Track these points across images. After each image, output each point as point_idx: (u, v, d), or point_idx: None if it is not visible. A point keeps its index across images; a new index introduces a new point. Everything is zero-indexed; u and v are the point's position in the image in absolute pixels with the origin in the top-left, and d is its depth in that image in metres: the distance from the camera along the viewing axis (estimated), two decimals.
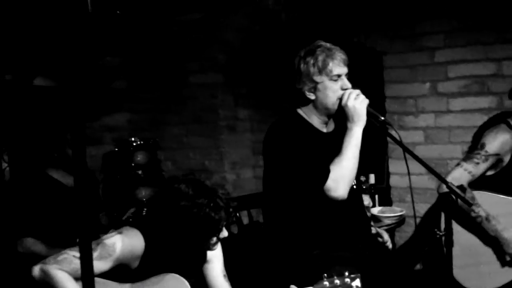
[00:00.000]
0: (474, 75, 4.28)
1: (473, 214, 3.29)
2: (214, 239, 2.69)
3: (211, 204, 2.58)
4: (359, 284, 2.55)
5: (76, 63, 1.60)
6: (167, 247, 2.65)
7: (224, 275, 2.93)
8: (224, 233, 2.71)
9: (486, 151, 3.41)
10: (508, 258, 3.36)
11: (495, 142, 3.43)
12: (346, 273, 2.55)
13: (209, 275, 2.90)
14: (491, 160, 3.42)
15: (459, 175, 3.38)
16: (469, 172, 3.40)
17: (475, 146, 3.51)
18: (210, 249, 2.74)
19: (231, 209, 2.67)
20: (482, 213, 3.32)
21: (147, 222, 2.70)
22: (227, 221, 2.66)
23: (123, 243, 2.53)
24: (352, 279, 2.53)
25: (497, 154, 3.42)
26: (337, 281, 2.52)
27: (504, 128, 3.49)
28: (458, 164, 3.47)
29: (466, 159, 3.47)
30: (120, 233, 2.58)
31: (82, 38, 1.60)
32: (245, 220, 4.52)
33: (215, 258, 2.91)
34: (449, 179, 3.26)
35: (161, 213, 2.63)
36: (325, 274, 2.53)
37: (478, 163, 3.40)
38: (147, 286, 2.57)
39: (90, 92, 5.08)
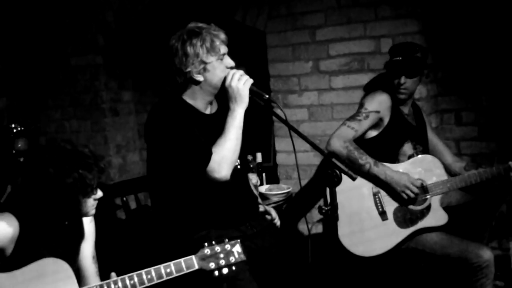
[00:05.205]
0: (354, 52, 4.38)
1: (360, 162, 3.46)
2: (91, 200, 2.57)
3: (82, 167, 2.47)
4: (239, 249, 2.61)
5: None
6: (43, 222, 2.53)
7: (93, 257, 2.80)
8: (99, 193, 2.59)
9: (366, 108, 3.63)
10: (404, 196, 3.50)
11: (373, 101, 3.66)
12: (226, 240, 2.60)
13: (80, 255, 2.75)
14: (371, 117, 3.62)
15: (344, 132, 3.56)
16: (352, 128, 3.57)
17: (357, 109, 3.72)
18: (89, 213, 2.61)
19: (102, 165, 2.56)
20: (370, 160, 3.49)
21: (17, 201, 2.57)
22: (99, 178, 2.55)
23: None
24: (232, 245, 2.59)
25: (376, 111, 3.63)
26: (217, 248, 2.58)
27: (380, 91, 3.73)
28: (342, 123, 3.63)
29: (349, 118, 3.64)
30: None
31: None
32: (133, 205, 4.43)
33: (89, 237, 2.79)
34: (335, 135, 3.54)
35: (30, 187, 2.50)
36: (206, 243, 2.57)
37: (360, 120, 3.60)
38: (25, 273, 2.46)
39: None
